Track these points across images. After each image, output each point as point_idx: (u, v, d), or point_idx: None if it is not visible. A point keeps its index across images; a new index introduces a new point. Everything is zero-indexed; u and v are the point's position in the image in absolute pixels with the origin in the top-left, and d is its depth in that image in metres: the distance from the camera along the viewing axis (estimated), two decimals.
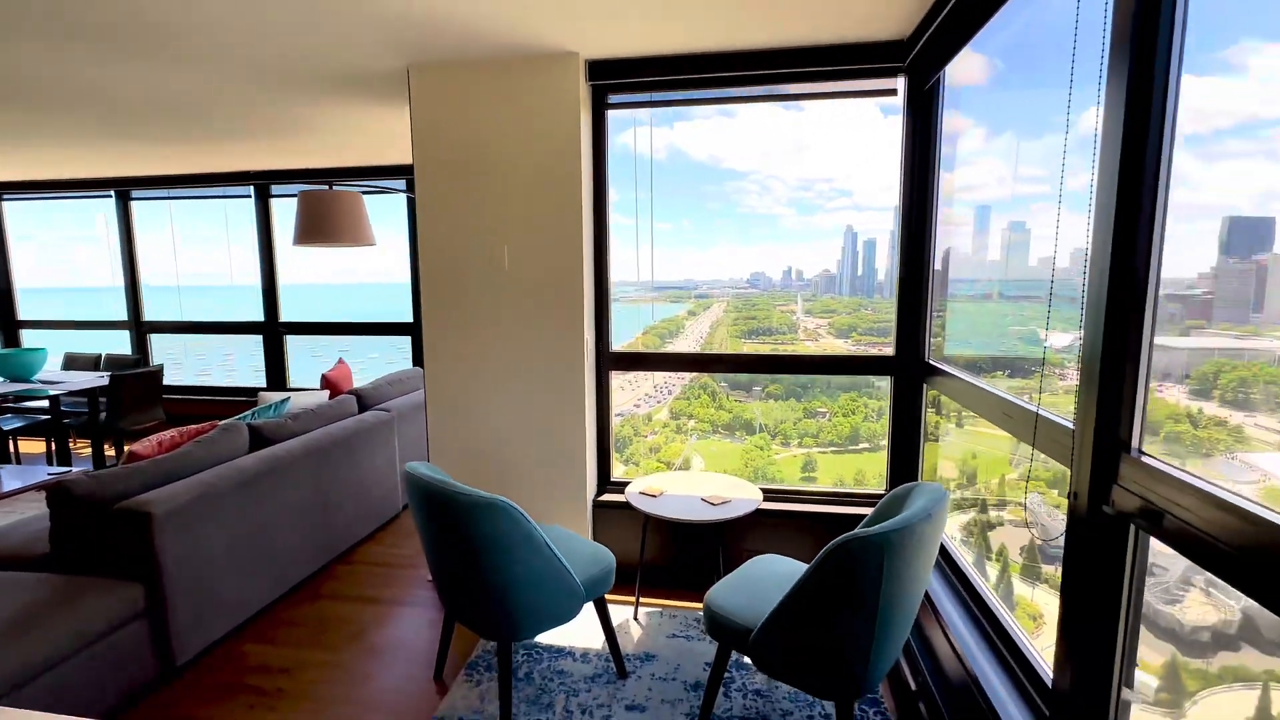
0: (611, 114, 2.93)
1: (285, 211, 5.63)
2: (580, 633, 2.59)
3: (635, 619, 2.71)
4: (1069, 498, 1.38)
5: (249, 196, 5.54)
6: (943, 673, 1.96)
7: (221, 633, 2.56)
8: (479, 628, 2.04)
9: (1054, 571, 1.86)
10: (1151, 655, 1.42)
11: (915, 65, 2.53)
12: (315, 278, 6.17)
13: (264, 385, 5.81)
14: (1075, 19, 1.45)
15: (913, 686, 2.11)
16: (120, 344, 6.12)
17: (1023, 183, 2.17)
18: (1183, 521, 1.08)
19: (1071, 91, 1.48)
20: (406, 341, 5.49)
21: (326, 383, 4.24)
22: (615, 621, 2.66)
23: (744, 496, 2.61)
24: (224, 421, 3.00)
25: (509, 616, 1.97)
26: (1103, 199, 1.29)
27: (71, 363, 5.64)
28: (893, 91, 2.71)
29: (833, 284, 4.97)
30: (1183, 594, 1.44)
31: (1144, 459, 1.23)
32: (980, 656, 1.76)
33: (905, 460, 2.81)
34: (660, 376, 4.50)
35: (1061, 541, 1.42)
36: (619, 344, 3.13)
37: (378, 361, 6.02)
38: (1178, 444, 1.66)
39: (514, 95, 2.73)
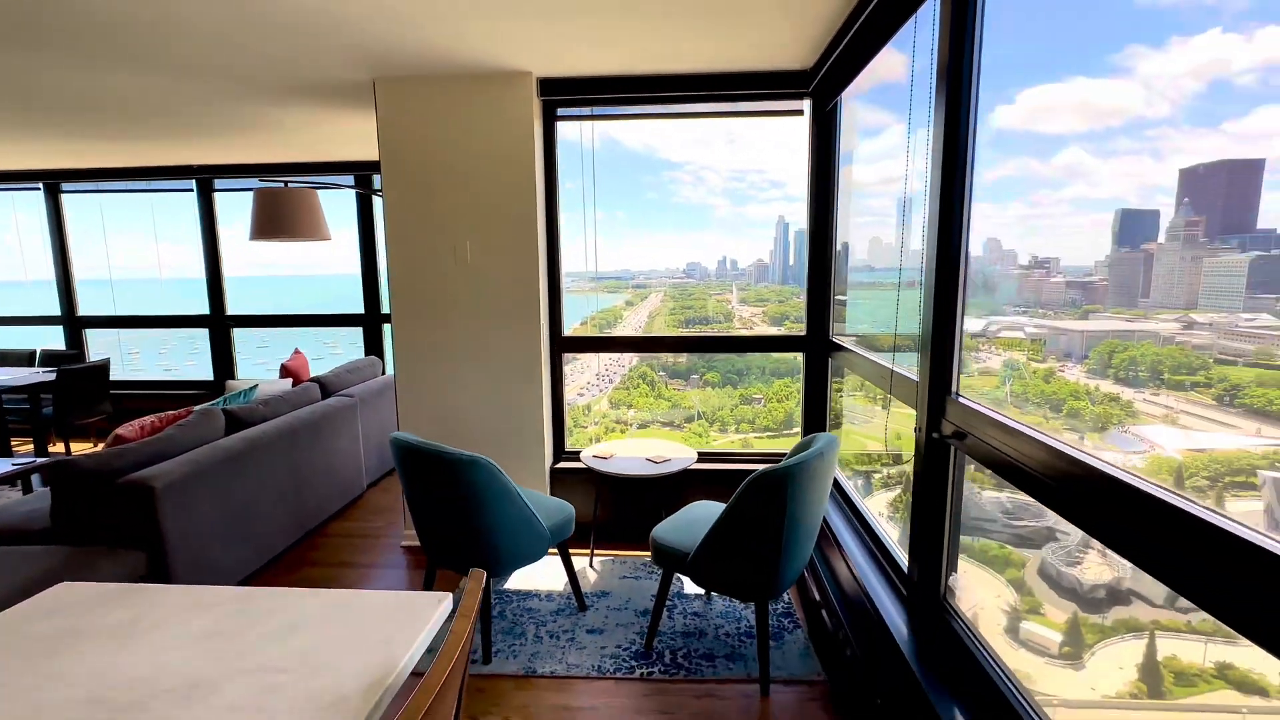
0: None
1: (230, 206, 5.68)
2: (544, 579, 2.99)
3: (591, 566, 3.13)
4: (915, 431, 1.89)
5: (190, 190, 5.55)
6: (840, 586, 2.48)
7: None
8: (462, 568, 2.41)
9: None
10: (1055, 614, 1.60)
11: (818, 91, 3.02)
12: (259, 271, 6.23)
13: (210, 378, 5.85)
14: (911, 66, 1.95)
15: (816, 597, 2.63)
16: (49, 339, 6.00)
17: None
18: (977, 438, 1.59)
19: (912, 114, 1.97)
20: (357, 332, 5.67)
21: (287, 371, 4.43)
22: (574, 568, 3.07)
23: (681, 456, 3.07)
24: (200, 407, 3.21)
25: (489, 556, 2.35)
26: (930, 210, 1.79)
27: (2, 360, 5.52)
28: (800, 112, 3.20)
29: (766, 273, 5.11)
30: (1082, 556, 1.63)
31: (960, 400, 1.73)
32: (867, 569, 2.27)
33: (815, 417, 3.34)
34: (601, 365, 4.77)
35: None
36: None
37: (321, 349, 6.17)
38: (1078, 419, 2.08)
39: (474, 107, 3.05)
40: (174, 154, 5.02)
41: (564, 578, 2.97)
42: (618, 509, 3.46)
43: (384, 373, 4.95)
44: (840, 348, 2.99)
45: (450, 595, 1.20)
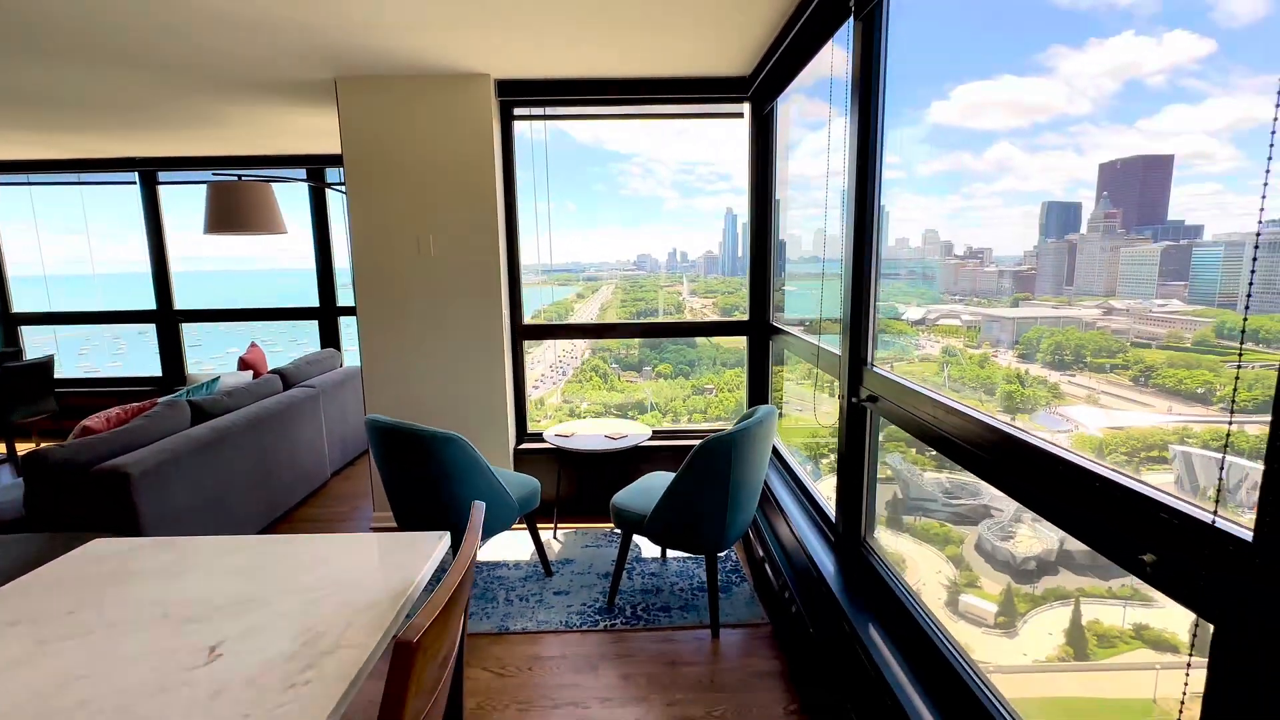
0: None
1: (175, 199, 5.59)
2: (512, 550, 3.19)
3: (555, 538, 3.35)
4: (839, 398, 2.19)
5: (133, 183, 5.45)
6: (780, 540, 2.78)
7: None
8: None
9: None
10: (991, 586, 1.70)
11: (756, 95, 3.30)
12: (208, 266, 6.15)
13: (158, 374, 5.77)
14: (830, 82, 2.23)
15: (760, 555, 2.93)
16: None
17: (885, 168, 2.68)
18: (886, 400, 1.89)
19: (831, 119, 2.26)
20: (313, 325, 5.68)
21: (245, 364, 4.47)
22: None
23: (637, 433, 3.32)
24: (165, 398, 3.27)
25: (463, 526, 2.55)
26: (847, 207, 2.08)
27: None
28: (740, 114, 3.48)
29: (715, 265, 5.16)
30: (1014, 530, 1.75)
31: (874, 369, 2.04)
32: (803, 523, 2.57)
33: (758, 393, 3.65)
34: (555, 357, 4.86)
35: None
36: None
37: (267, 343, 6.14)
38: (1009, 401, 2.25)
39: (435, 106, 3.20)
40: (114, 147, 4.93)
41: (531, 549, 3.19)
42: (578, 485, 3.69)
43: (342, 365, 5.02)
44: (779, 331, 3.30)
45: (448, 534, 1.41)
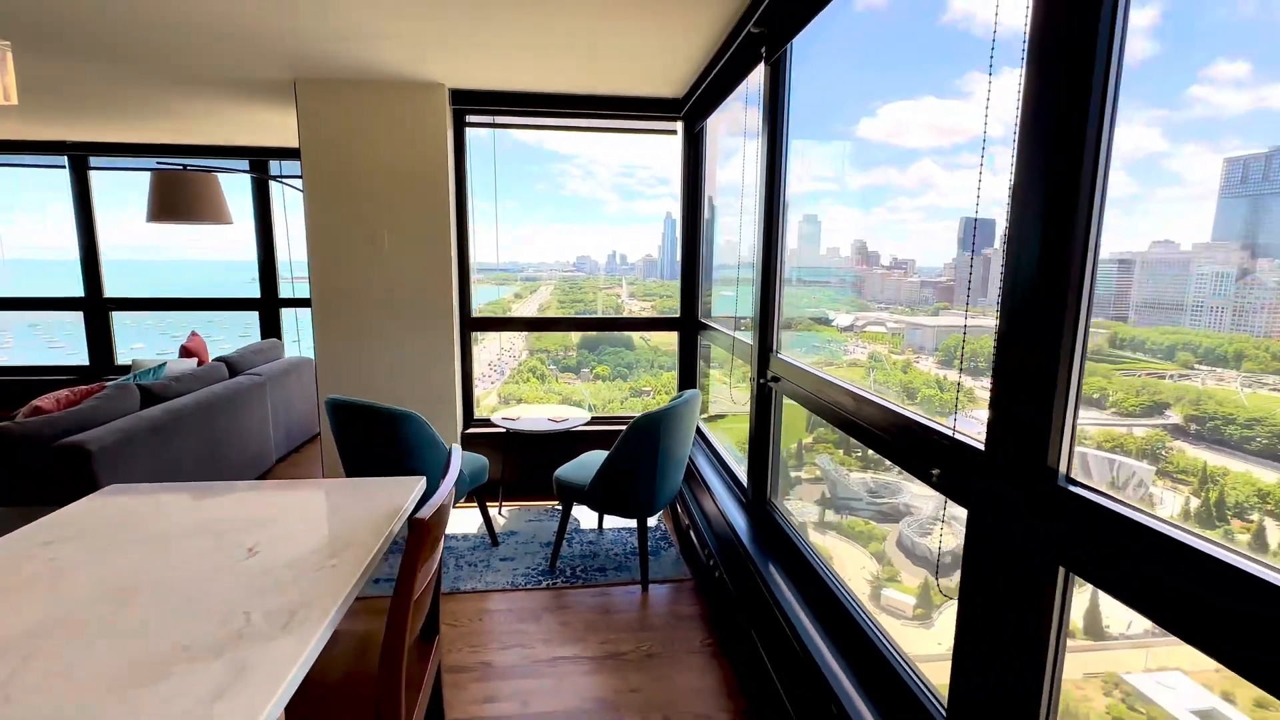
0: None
1: (107, 185, 5.50)
2: (461, 525, 3.45)
3: (500, 514, 3.63)
4: (751, 381, 2.59)
5: (62, 167, 5.33)
6: (702, 508, 3.17)
7: None
8: None
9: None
10: (910, 580, 1.80)
11: (688, 115, 3.70)
12: (142, 254, 6.04)
13: (85, 364, 5.63)
14: (745, 113, 2.64)
15: (685, 523, 3.32)
16: None
17: (818, 181, 2.73)
18: (786, 380, 2.29)
19: (744, 138, 2.67)
20: (253, 316, 5.70)
21: (187, 352, 4.51)
22: None
23: (577, 416, 3.65)
24: (115, 381, 3.35)
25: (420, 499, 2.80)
26: (759, 217, 2.48)
27: None
28: (674, 131, 3.87)
29: (654, 268, 5.29)
30: (932, 528, 1.89)
31: (779, 356, 2.44)
32: (721, 491, 2.96)
33: (687, 380, 4.05)
34: (493, 354, 4.99)
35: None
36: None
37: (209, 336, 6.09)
38: (929, 405, 2.44)
39: (392, 111, 3.43)
40: (43, 130, 4.84)
41: (478, 523, 3.46)
42: (521, 467, 3.98)
43: (284, 354, 5.09)
44: (706, 326, 3.70)
45: (423, 477, 1.69)
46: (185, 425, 3.37)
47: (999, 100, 2.04)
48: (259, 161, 5.44)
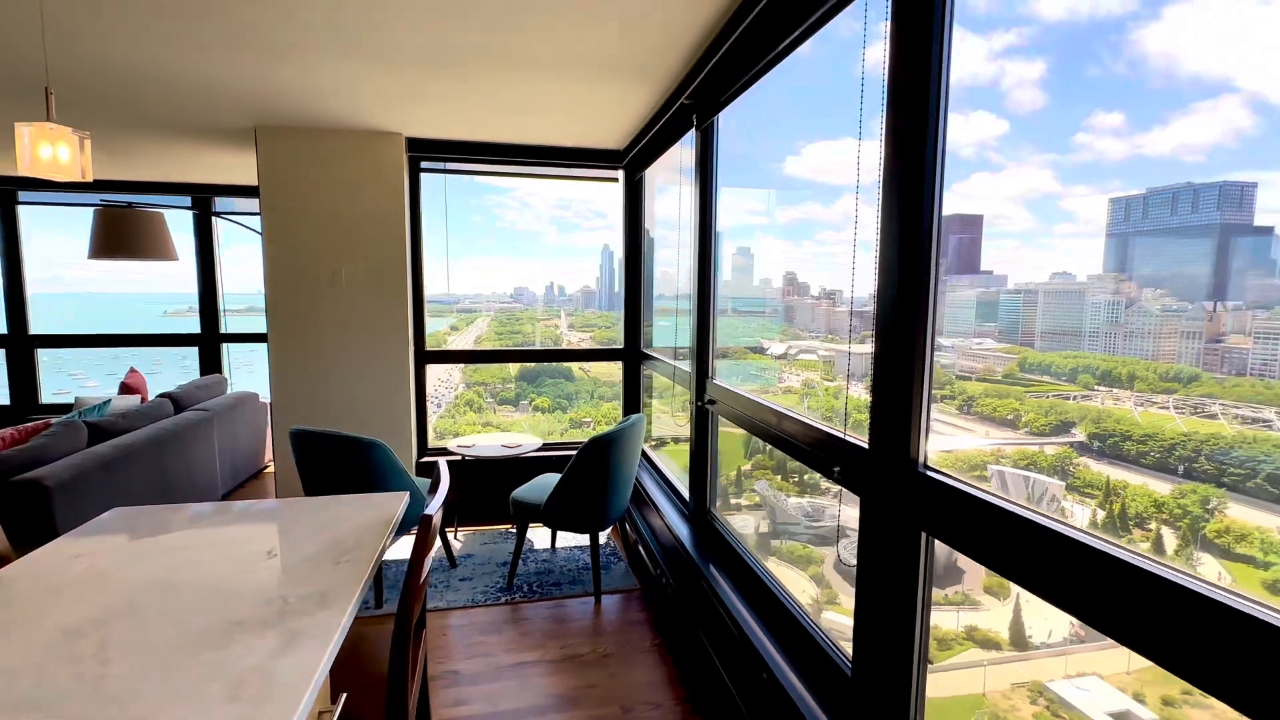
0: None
1: (35, 220, 5.37)
2: None
3: (456, 538, 3.79)
4: (691, 404, 2.92)
5: None
6: (649, 524, 3.44)
7: None
8: None
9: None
10: (849, 601, 1.82)
11: (629, 166, 4.07)
12: (76, 287, 5.88)
13: (5, 403, 5.40)
14: (680, 161, 3.02)
15: (633, 538, 3.58)
16: None
17: (751, 215, 3.18)
18: (721, 403, 2.63)
19: (682, 186, 3.04)
20: (192, 352, 5.63)
21: (127, 389, 4.47)
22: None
23: (530, 442, 3.88)
24: (60, 419, 3.35)
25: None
26: (695, 258, 2.84)
27: None
28: (616, 179, 4.23)
29: (592, 299, 5.41)
30: None
31: (715, 381, 2.78)
32: (666, 506, 3.25)
33: (631, 406, 4.35)
34: (430, 388, 5.02)
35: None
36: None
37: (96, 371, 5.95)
38: (860, 427, 2.64)
39: (350, 157, 3.64)
40: None
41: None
42: (475, 493, 4.15)
43: (228, 390, 5.08)
44: (649, 356, 4.03)
45: (407, 492, 1.91)
46: (136, 461, 3.39)
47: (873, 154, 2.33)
48: (202, 199, 5.46)
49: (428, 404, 5.07)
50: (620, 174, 4.19)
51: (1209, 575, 1.65)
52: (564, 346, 5.13)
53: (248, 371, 5.79)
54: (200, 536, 1.57)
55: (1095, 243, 2.05)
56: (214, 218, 5.48)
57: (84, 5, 2.04)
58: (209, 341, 5.58)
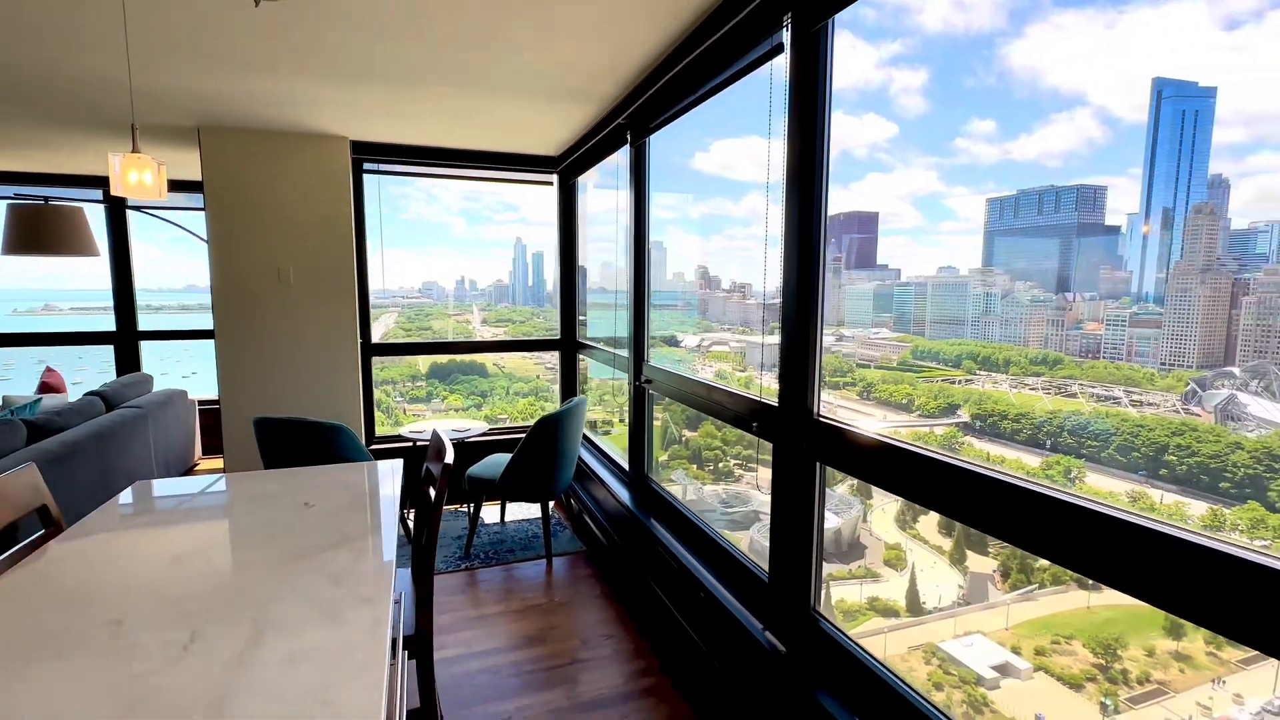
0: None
1: None
2: None
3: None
4: (629, 384, 3.35)
5: None
6: (593, 494, 3.85)
7: None
8: None
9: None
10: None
11: (563, 172, 4.44)
12: None
13: None
14: (617, 168, 3.44)
15: (577, 509, 3.98)
16: None
17: (663, 209, 3.41)
18: (657, 381, 3.08)
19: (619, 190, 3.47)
20: (107, 350, 5.45)
21: (46, 388, 4.37)
22: None
23: (477, 427, 4.18)
24: None
25: None
26: (631, 255, 3.26)
27: None
28: (550, 183, 4.59)
29: (506, 293, 5.43)
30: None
31: (650, 363, 3.23)
32: (607, 476, 3.66)
33: (568, 390, 4.74)
34: None
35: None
36: None
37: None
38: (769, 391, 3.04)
39: (295, 158, 3.79)
40: None
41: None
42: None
43: (154, 388, 5.00)
44: (585, 345, 4.43)
45: (400, 459, 2.22)
46: (82, 458, 3.42)
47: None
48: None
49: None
50: (555, 178, 4.55)
51: None
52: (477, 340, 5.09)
53: (172, 367, 5.68)
54: (233, 497, 1.83)
55: (975, 239, 2.34)
56: (128, 212, 5.34)
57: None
58: (126, 339, 5.43)
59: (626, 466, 3.51)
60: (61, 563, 1.40)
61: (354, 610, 1.15)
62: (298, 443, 3.07)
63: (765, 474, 3.34)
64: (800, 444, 1.87)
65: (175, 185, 5.20)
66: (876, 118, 2.18)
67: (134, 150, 1.68)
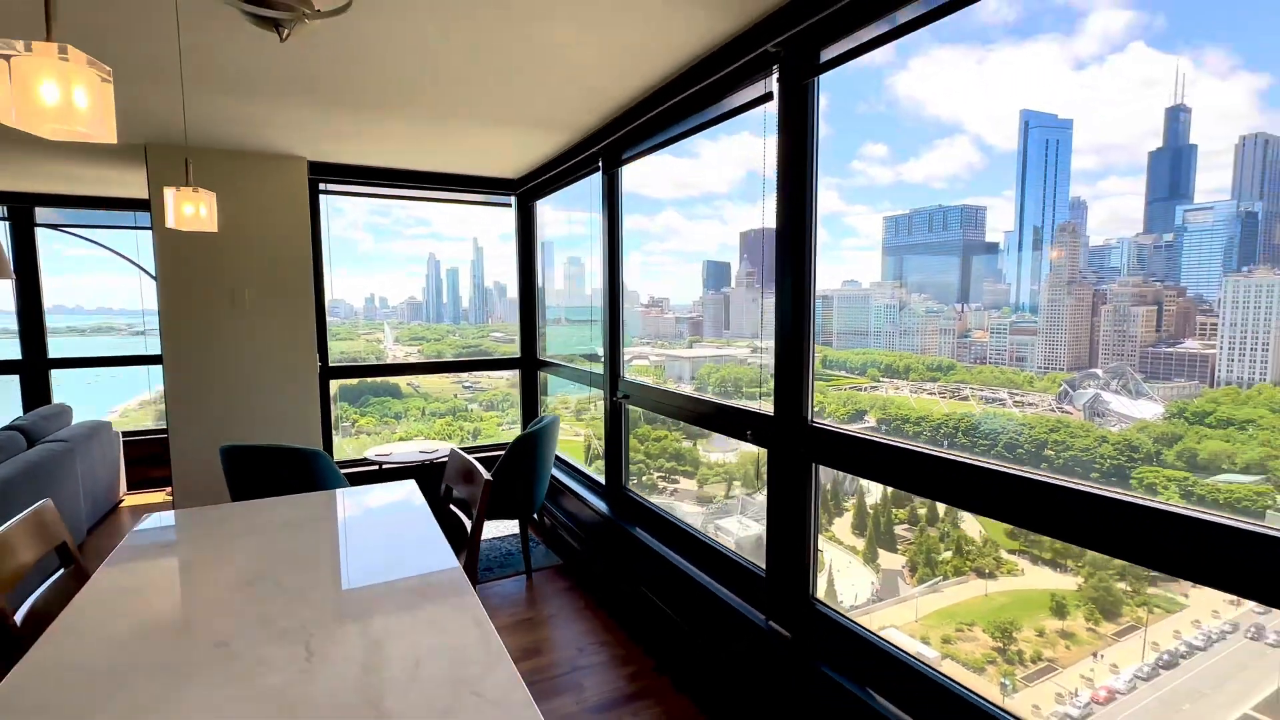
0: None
1: None
2: None
3: None
4: (605, 399, 3.49)
5: None
6: (567, 508, 3.94)
7: None
8: None
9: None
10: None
11: (522, 195, 4.54)
12: None
13: None
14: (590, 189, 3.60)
15: (550, 524, 4.06)
16: None
17: (576, 225, 3.78)
18: (636, 398, 3.25)
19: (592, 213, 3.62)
20: (10, 381, 4.98)
21: None
22: None
23: (444, 448, 4.18)
24: None
25: None
26: (606, 281, 3.42)
27: None
28: (509, 204, 4.68)
29: (420, 311, 5.26)
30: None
31: (626, 378, 3.39)
32: (583, 490, 3.77)
33: (530, 411, 4.81)
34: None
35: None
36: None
37: None
38: (690, 427, 3.08)
39: (251, 179, 3.69)
40: None
41: None
42: None
43: (73, 420, 4.63)
44: (546, 363, 4.52)
45: (412, 480, 2.26)
46: (15, 497, 3.17)
47: (723, 165, 2.77)
48: (20, 209, 4.88)
49: None
50: (513, 200, 4.64)
51: (970, 533, 2.42)
52: (388, 358, 4.93)
53: (80, 397, 5.24)
54: (269, 523, 1.84)
55: (875, 254, 2.57)
56: (35, 229, 4.93)
57: None
58: (34, 368, 4.98)
59: (602, 479, 3.64)
60: (117, 595, 1.39)
61: (452, 617, 1.24)
62: (273, 471, 2.99)
63: (689, 484, 3.59)
64: (798, 448, 2.10)
65: (104, 203, 4.88)
66: (727, 120, 2.37)
67: (188, 184, 1.67)
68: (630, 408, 3.38)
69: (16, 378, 4.97)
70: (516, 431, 4.83)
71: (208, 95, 2.71)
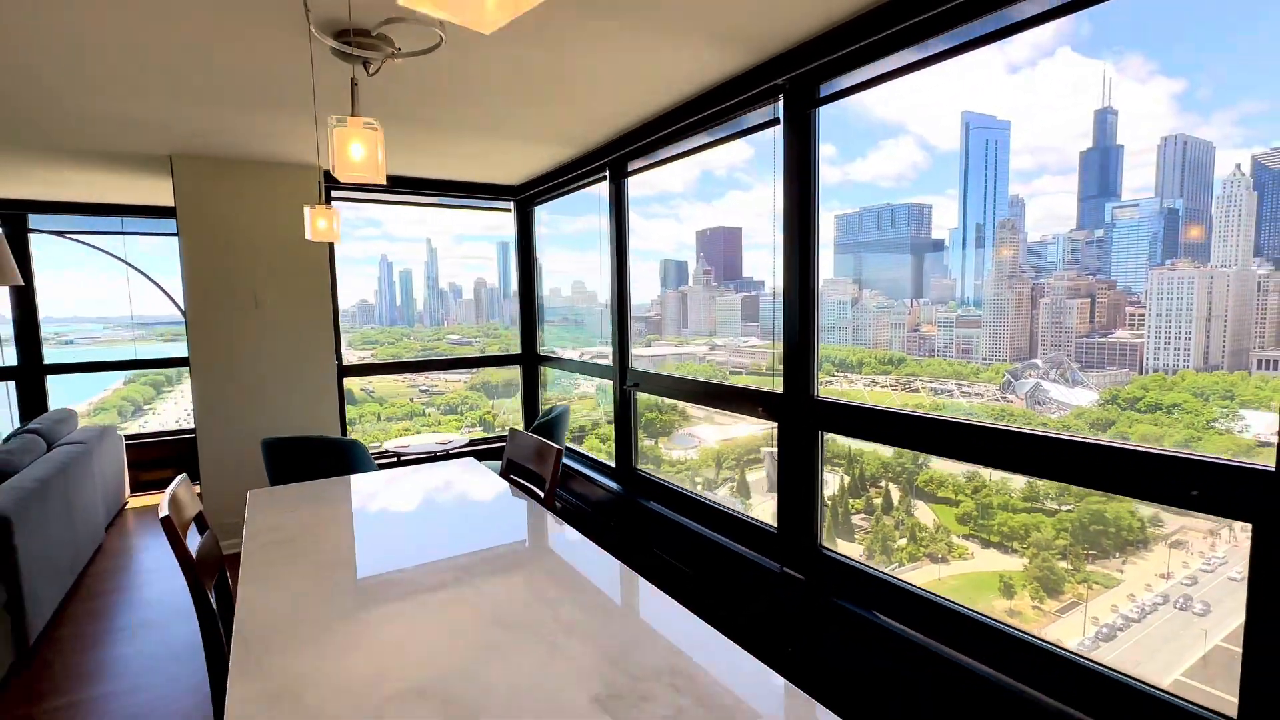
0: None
1: None
2: None
3: None
4: (615, 388, 3.82)
5: None
6: (578, 492, 4.24)
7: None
8: None
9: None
10: None
11: (521, 201, 4.82)
12: None
13: None
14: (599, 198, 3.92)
15: (560, 506, 4.36)
16: None
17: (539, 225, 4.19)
18: (645, 386, 3.58)
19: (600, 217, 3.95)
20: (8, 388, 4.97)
21: None
22: None
23: (459, 439, 4.43)
24: None
25: None
26: (613, 276, 3.74)
27: None
28: (509, 209, 4.95)
29: (372, 314, 5.25)
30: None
31: (634, 367, 3.72)
32: (597, 475, 4.08)
33: (531, 408, 5.09)
34: (181, 412, 4.81)
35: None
36: None
37: None
38: (653, 425, 3.21)
39: (269, 186, 3.88)
40: None
41: None
42: None
43: (78, 424, 4.69)
44: (548, 358, 4.82)
45: (473, 456, 2.54)
46: (54, 495, 3.30)
47: (677, 165, 3.01)
48: (13, 215, 4.89)
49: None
50: (513, 205, 4.91)
51: (924, 520, 2.68)
52: (342, 361, 5.24)
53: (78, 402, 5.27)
54: (394, 492, 2.10)
55: (827, 252, 2.55)
56: (30, 236, 4.95)
57: None
58: (30, 374, 5.00)
59: (612, 462, 3.96)
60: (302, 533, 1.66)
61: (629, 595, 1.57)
62: (312, 461, 3.22)
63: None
64: (807, 420, 2.47)
65: (81, 208, 4.94)
66: (739, 143, 2.51)
67: (322, 202, 1.92)
68: (639, 395, 3.71)
69: (12, 384, 4.97)
70: (485, 433, 5.10)
71: (238, 110, 2.89)
